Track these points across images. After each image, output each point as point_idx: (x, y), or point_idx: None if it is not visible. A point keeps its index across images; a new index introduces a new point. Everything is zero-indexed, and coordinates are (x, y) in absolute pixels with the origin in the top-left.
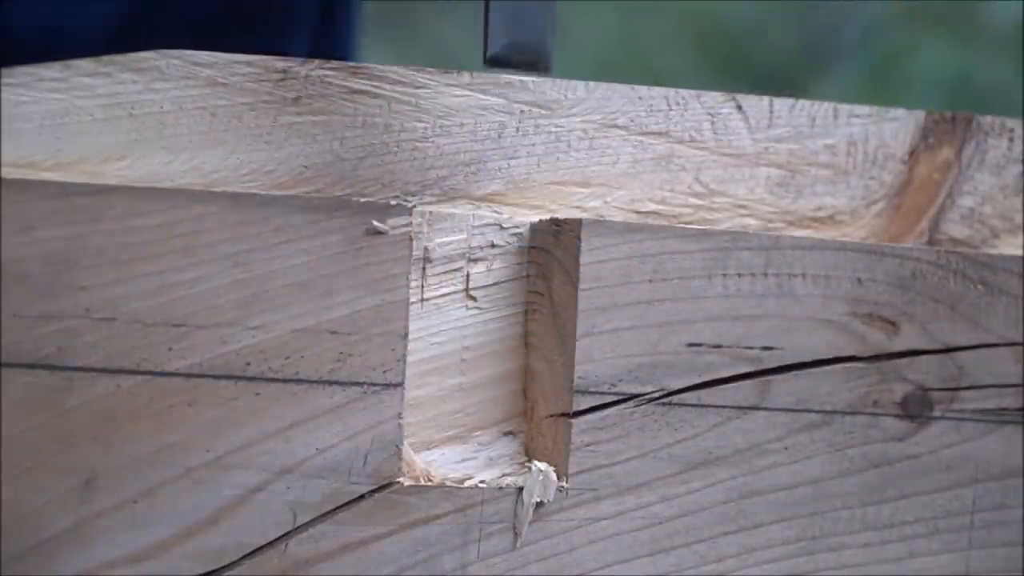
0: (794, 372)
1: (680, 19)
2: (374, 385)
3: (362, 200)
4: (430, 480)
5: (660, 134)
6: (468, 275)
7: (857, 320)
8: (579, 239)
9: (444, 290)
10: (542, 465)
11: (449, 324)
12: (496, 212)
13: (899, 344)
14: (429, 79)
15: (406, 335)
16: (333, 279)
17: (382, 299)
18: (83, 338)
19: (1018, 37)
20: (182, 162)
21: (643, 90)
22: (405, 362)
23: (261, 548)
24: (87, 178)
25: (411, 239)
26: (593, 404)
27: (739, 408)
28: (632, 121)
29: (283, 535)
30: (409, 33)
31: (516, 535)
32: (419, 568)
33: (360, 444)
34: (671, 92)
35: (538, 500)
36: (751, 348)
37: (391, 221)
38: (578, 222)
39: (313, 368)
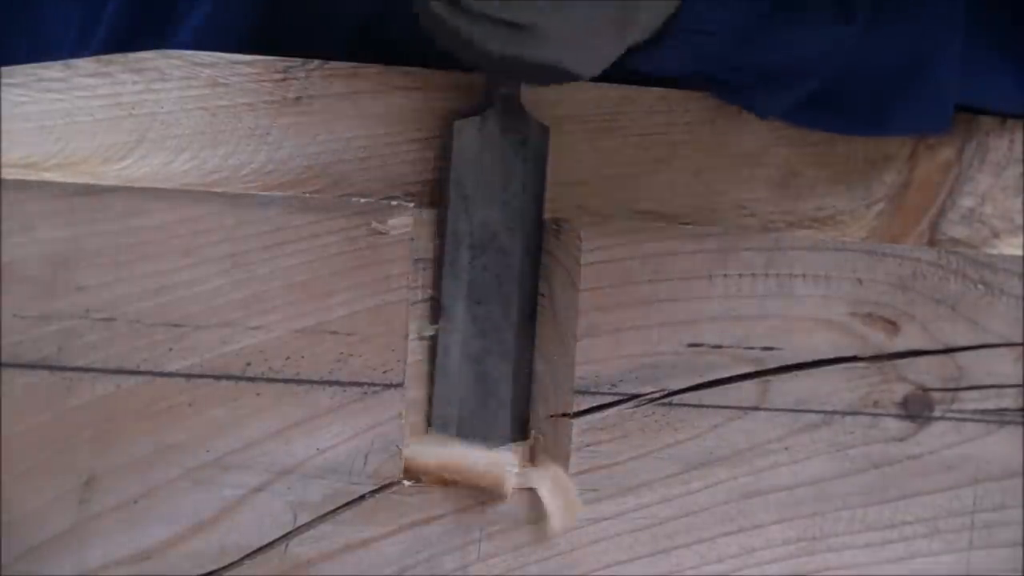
0: (794, 372)
1: None
2: (375, 385)
3: (362, 200)
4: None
5: (660, 134)
6: None
7: (857, 320)
8: (579, 239)
9: None
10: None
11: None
12: None
13: (899, 344)
14: (428, 80)
15: (406, 335)
16: (333, 279)
17: (382, 299)
18: (83, 338)
19: None
20: (183, 162)
21: (643, 91)
22: (406, 362)
23: (261, 548)
24: (88, 178)
25: (411, 239)
26: (593, 404)
27: (740, 408)
28: (632, 121)
29: (283, 535)
30: None
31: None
32: (420, 568)
33: (361, 444)
34: (671, 92)
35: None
36: (751, 348)
37: (391, 221)
38: (578, 222)
39: (314, 368)
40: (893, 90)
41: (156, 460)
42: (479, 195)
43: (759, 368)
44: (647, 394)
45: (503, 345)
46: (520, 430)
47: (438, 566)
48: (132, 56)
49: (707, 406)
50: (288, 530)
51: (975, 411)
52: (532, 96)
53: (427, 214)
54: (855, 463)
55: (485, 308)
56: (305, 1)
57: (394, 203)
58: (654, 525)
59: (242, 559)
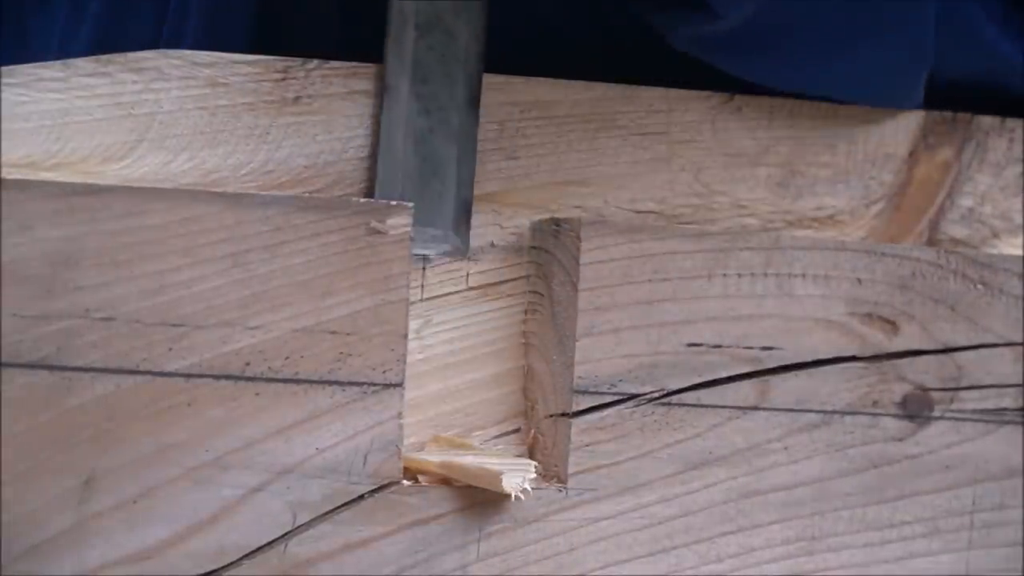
0: (794, 372)
1: None
2: (374, 385)
3: (362, 200)
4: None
5: (660, 134)
6: (468, 275)
7: (857, 320)
8: (579, 239)
9: (444, 290)
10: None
11: (449, 324)
12: (496, 212)
13: (899, 344)
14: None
15: (406, 335)
16: (333, 279)
17: (382, 299)
18: (83, 338)
19: None
20: (182, 162)
21: (643, 90)
22: (405, 362)
23: (261, 548)
24: (87, 178)
25: (411, 239)
26: (593, 404)
27: (739, 408)
28: (632, 121)
29: (283, 535)
30: None
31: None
32: (419, 568)
33: (360, 444)
34: (671, 92)
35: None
36: (751, 348)
37: (391, 221)
38: (578, 222)
39: (313, 368)
40: (853, 36)
41: (156, 460)
42: None
43: (758, 368)
44: (646, 394)
45: (448, 125)
46: (464, 215)
47: (437, 566)
48: (131, 56)
49: (706, 406)
50: (287, 530)
51: (974, 411)
52: (533, 95)
53: None
54: (854, 463)
55: (429, 87)
56: None
57: (393, 203)
58: (653, 525)
59: (241, 559)
